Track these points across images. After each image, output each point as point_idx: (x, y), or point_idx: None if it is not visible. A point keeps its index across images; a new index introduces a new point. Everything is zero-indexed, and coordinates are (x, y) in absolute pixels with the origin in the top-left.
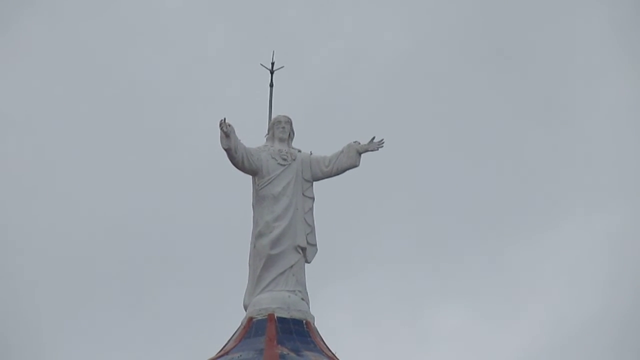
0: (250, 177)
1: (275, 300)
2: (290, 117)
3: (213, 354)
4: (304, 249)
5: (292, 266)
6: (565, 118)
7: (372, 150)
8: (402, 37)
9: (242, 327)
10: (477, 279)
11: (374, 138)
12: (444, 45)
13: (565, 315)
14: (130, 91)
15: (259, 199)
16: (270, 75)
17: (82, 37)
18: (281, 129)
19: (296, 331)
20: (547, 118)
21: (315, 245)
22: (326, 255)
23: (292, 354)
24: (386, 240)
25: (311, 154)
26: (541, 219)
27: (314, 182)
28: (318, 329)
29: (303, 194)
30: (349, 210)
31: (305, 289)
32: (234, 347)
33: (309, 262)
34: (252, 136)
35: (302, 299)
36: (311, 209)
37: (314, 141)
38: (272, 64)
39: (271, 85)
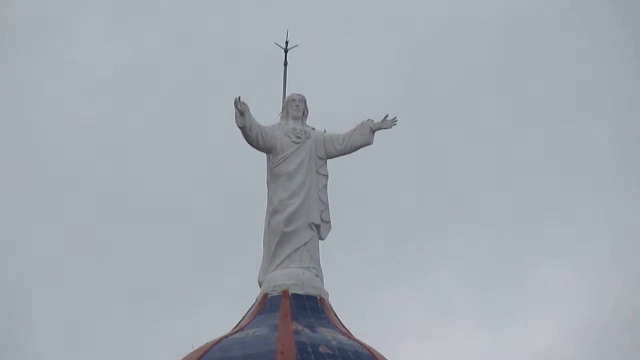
0: (265, 155)
1: (289, 277)
2: (304, 95)
3: (228, 330)
4: (318, 226)
5: (306, 243)
6: None
7: (385, 128)
8: (410, 23)
9: (256, 303)
10: (579, 237)
11: (387, 116)
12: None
13: None
14: (143, 74)
15: (274, 176)
16: (284, 54)
17: None
18: (295, 107)
19: (310, 307)
20: None
21: (329, 222)
22: (426, 216)
23: (307, 330)
24: (488, 201)
25: (325, 132)
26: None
27: (328, 160)
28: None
29: (317, 171)
30: (443, 173)
31: (320, 265)
32: (249, 323)
33: (323, 239)
34: (267, 115)
35: (317, 275)
36: (325, 186)
37: (327, 119)
38: (287, 43)
39: (285, 64)
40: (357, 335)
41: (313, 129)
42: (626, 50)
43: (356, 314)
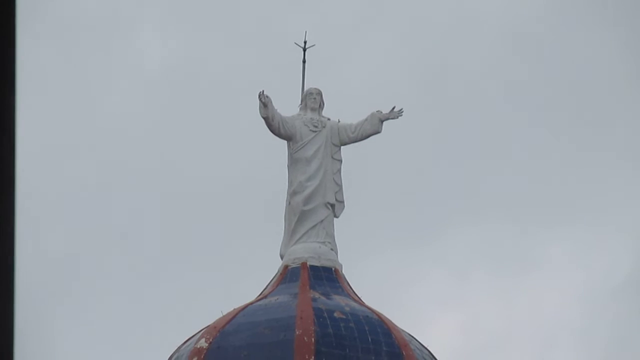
0: (286, 142)
1: (307, 250)
2: (320, 88)
3: (253, 298)
4: (332, 205)
5: (322, 221)
6: None
7: (392, 119)
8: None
9: (278, 274)
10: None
11: (394, 107)
12: None
13: None
14: (170, 72)
15: (293, 161)
16: (303, 52)
17: None
18: (313, 100)
19: (326, 277)
20: None
21: (343, 202)
22: (452, 196)
23: (323, 298)
24: (495, 179)
25: (339, 121)
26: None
27: (342, 147)
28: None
29: (332, 156)
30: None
31: (334, 240)
32: (272, 291)
33: (337, 217)
34: (287, 106)
35: (332, 249)
36: (339, 169)
37: (341, 111)
38: (305, 42)
39: (304, 62)
40: (367, 302)
41: (328, 119)
42: None
43: (367, 283)
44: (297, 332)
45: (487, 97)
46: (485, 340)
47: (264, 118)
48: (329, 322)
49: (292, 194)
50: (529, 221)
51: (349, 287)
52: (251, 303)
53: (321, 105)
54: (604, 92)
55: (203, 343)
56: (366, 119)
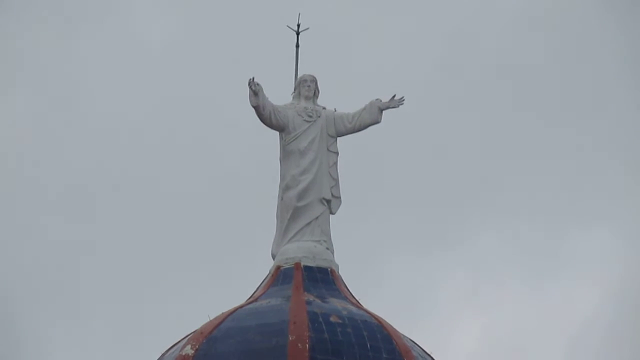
0: (278, 133)
1: (301, 250)
2: (315, 75)
3: (243, 301)
4: (328, 201)
5: (317, 217)
6: None
7: (392, 107)
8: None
9: (270, 275)
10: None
11: (394, 96)
12: None
13: None
14: (154, 54)
15: (286, 154)
16: (296, 36)
17: None
18: (307, 87)
19: (321, 279)
20: None
21: (340, 197)
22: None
23: (318, 301)
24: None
25: (335, 111)
26: None
27: (338, 138)
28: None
29: (328, 149)
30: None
31: (330, 239)
32: (263, 294)
33: (333, 214)
34: (279, 95)
35: (327, 248)
36: (335, 163)
37: (337, 99)
38: (298, 25)
39: (297, 46)
40: (366, 305)
41: (324, 108)
42: None
43: (366, 285)
44: (290, 338)
45: (498, 84)
46: (497, 347)
47: (254, 107)
48: (324, 327)
49: (284, 188)
50: (561, 210)
51: (346, 289)
52: (241, 307)
53: (316, 93)
54: (626, 87)
55: (189, 350)
56: (364, 108)
